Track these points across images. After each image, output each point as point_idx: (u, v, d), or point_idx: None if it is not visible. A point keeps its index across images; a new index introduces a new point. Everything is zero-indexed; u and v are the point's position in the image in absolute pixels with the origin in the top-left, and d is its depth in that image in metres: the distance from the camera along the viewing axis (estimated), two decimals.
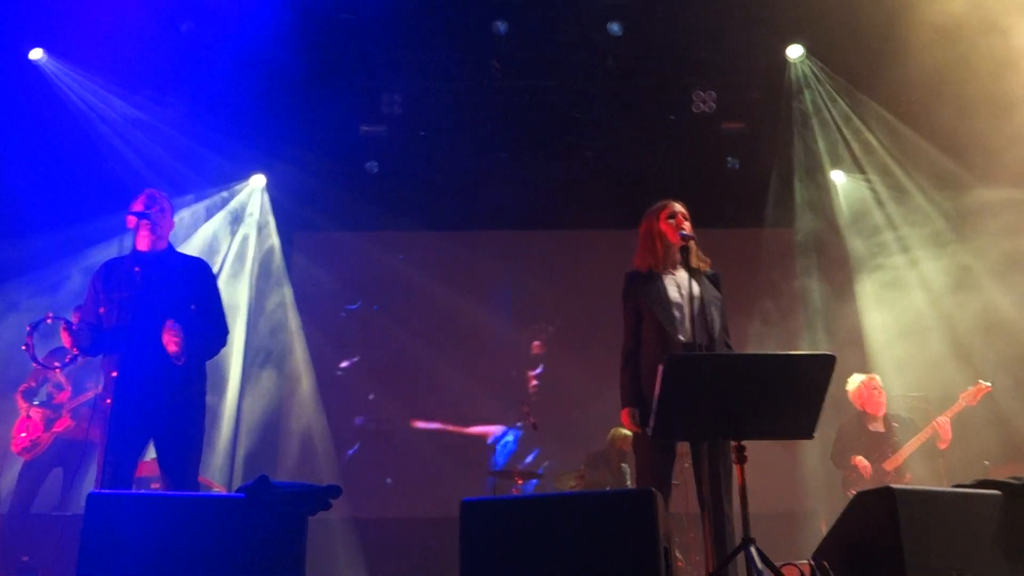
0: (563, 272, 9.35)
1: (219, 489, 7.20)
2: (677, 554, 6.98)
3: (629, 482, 7.30)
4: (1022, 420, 7.12)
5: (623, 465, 7.24)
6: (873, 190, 8.83)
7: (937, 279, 8.33)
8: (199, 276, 4.61)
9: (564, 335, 9.22)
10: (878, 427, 6.57)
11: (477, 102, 8.29)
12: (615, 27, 7.42)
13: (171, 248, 4.66)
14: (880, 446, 6.45)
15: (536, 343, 9.22)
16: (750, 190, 8.92)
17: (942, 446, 6.29)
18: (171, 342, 4.24)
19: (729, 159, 8.86)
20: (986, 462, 6.98)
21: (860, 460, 6.37)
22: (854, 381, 6.72)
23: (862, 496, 3.10)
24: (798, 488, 8.36)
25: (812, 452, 8.24)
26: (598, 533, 2.91)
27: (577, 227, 9.40)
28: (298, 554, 3.07)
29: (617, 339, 4.52)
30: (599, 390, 7.86)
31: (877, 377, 6.73)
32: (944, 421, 6.27)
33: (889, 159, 8.42)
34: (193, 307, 4.44)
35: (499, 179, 8.95)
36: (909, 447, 6.33)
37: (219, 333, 4.57)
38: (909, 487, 3.06)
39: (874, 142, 8.48)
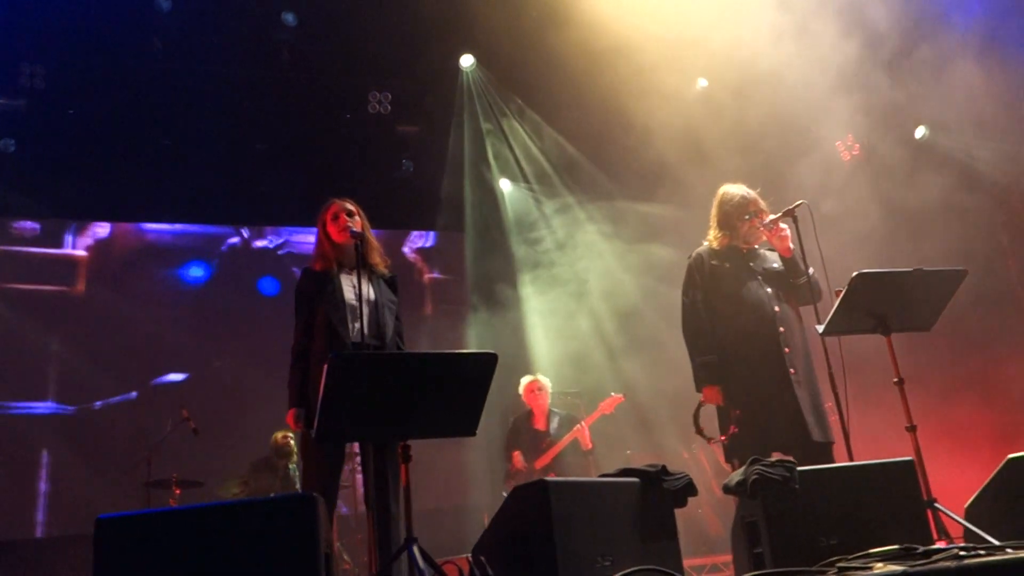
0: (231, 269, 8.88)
1: None
2: (345, 557, 6.88)
3: (299, 486, 7.07)
4: (657, 413, 7.86)
5: (290, 467, 7.01)
6: (536, 199, 9.36)
7: (589, 282, 9.02)
8: None
9: (230, 335, 8.70)
10: (540, 425, 6.99)
11: (138, 82, 7.60)
12: (289, 17, 7.19)
13: None
14: (538, 444, 6.86)
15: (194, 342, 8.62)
16: (424, 193, 9.05)
17: (584, 448, 6.82)
18: None
19: (404, 161, 8.94)
20: (628, 451, 7.66)
21: (517, 455, 6.74)
22: (523, 382, 7.13)
23: (519, 490, 3.19)
24: (464, 483, 8.61)
25: (478, 447, 8.52)
26: (255, 543, 2.72)
27: (248, 222, 8.97)
28: None
29: (288, 339, 4.34)
30: (268, 392, 7.53)
31: (540, 377, 7.16)
32: (582, 429, 6.83)
33: (550, 169, 8.98)
34: None
35: (160, 167, 8.24)
36: (555, 448, 6.80)
37: None
38: (561, 479, 3.21)
39: (537, 153, 9.00)
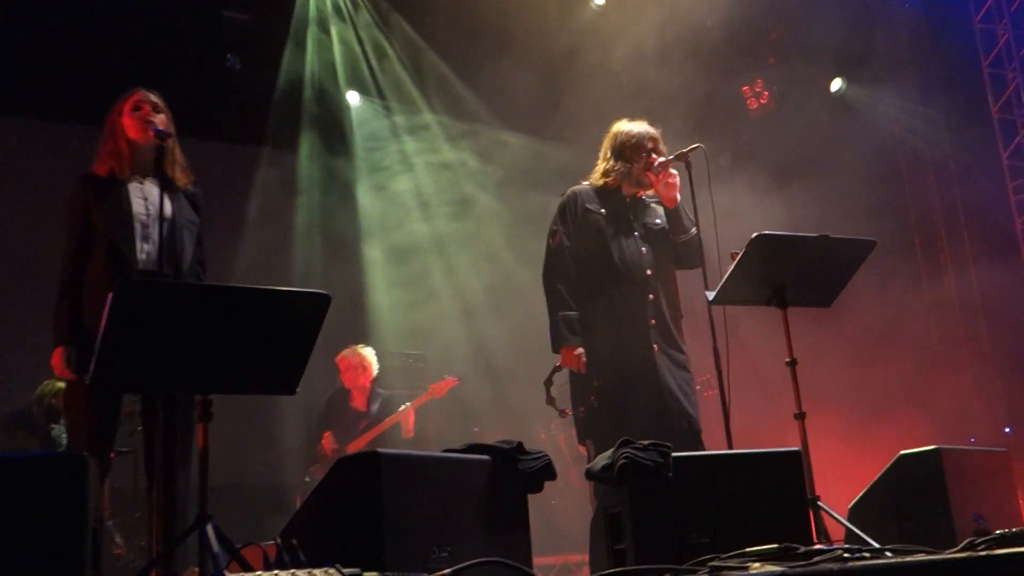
0: None
1: None
2: (117, 539, 6.66)
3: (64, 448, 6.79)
4: (514, 383, 7.92)
5: (53, 427, 6.69)
6: (391, 119, 9.18)
7: (444, 222, 8.96)
8: None
9: None
10: (359, 405, 6.97)
11: None
12: None
13: None
14: (355, 425, 6.85)
15: None
16: (252, 98, 8.68)
17: (406, 436, 6.80)
18: None
19: (229, 57, 8.52)
20: (476, 428, 7.73)
21: (328, 436, 6.71)
22: (345, 353, 7.01)
23: (344, 462, 3.13)
24: (275, 458, 8.43)
25: (293, 412, 8.33)
26: (5, 510, 2.58)
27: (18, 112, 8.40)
28: None
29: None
30: (34, 329, 7.09)
31: (362, 350, 7.05)
32: (407, 411, 6.82)
33: (411, 85, 8.82)
34: None
35: None
36: (371, 433, 6.75)
37: None
38: (396, 451, 3.17)
39: (398, 66, 8.81)
